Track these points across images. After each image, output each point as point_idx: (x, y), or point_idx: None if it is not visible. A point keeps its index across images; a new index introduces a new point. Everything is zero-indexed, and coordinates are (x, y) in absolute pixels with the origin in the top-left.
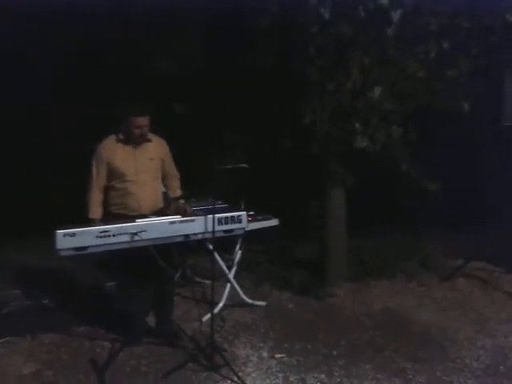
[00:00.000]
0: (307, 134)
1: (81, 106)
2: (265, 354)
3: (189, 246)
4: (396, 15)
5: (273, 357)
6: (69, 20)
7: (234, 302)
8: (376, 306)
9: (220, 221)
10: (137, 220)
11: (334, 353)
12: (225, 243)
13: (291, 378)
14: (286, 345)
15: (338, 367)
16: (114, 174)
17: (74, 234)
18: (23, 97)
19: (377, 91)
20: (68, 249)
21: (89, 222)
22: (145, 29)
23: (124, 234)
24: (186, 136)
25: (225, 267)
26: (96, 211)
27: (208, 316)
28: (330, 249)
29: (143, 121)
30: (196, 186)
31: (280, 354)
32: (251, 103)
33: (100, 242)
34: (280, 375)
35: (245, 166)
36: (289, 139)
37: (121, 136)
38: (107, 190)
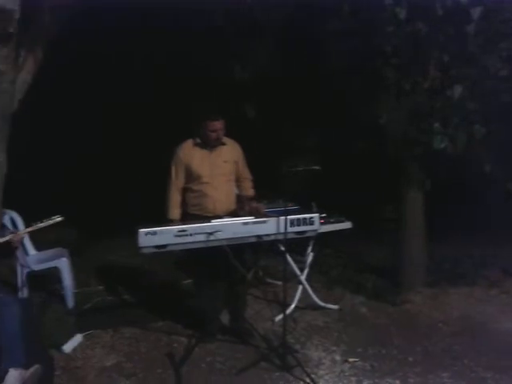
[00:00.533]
0: (383, 134)
1: (160, 109)
2: (338, 358)
3: (261, 247)
4: (476, 12)
5: (346, 360)
6: (148, 23)
7: (306, 305)
8: (454, 313)
9: (292, 222)
10: (212, 220)
11: (410, 359)
12: (296, 245)
13: (364, 383)
14: (359, 349)
15: (414, 374)
16: (191, 177)
17: (154, 233)
18: (105, 99)
19: (457, 90)
20: (149, 246)
21: (168, 222)
22: (219, 32)
23: (200, 233)
24: (257, 138)
25: (297, 269)
26: (175, 212)
27: (280, 316)
28: (407, 253)
29: (218, 125)
30: (267, 188)
31: (353, 358)
32: (324, 104)
33: (178, 240)
34: (353, 379)
35: (317, 167)
36: (363, 140)
37: (197, 140)
38: (185, 191)
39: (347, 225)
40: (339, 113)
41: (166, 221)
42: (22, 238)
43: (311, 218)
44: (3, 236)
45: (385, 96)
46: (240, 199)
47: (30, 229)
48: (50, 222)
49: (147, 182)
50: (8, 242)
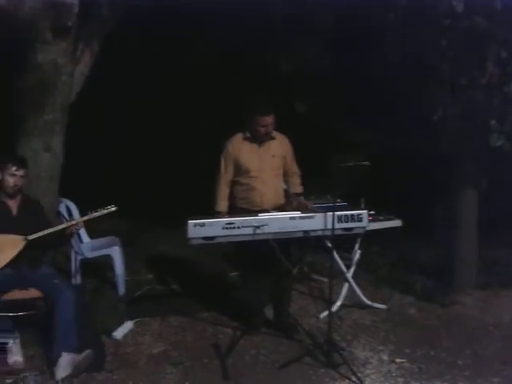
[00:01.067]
0: (436, 131)
1: (211, 103)
2: (385, 358)
3: (307, 243)
4: None
5: (393, 361)
6: (200, 19)
7: (352, 303)
8: (506, 317)
9: (340, 218)
10: (259, 214)
11: (459, 362)
12: (343, 242)
13: None
14: (407, 350)
15: (463, 377)
16: (239, 170)
17: (203, 225)
18: (156, 94)
19: None
20: (197, 238)
21: (216, 215)
22: (271, 29)
23: (247, 226)
24: (306, 133)
25: (343, 266)
26: (223, 204)
27: (325, 313)
28: (458, 254)
29: (268, 119)
30: (315, 183)
31: (401, 358)
32: (375, 99)
33: (226, 233)
34: (400, 380)
35: (366, 163)
36: (415, 136)
37: (247, 134)
38: (233, 184)
39: (397, 223)
40: (391, 108)
41: (213, 213)
42: (79, 227)
43: (359, 214)
44: (60, 223)
45: (439, 91)
46: (288, 195)
47: (85, 217)
48: (105, 211)
49: (198, 174)
50: (65, 230)
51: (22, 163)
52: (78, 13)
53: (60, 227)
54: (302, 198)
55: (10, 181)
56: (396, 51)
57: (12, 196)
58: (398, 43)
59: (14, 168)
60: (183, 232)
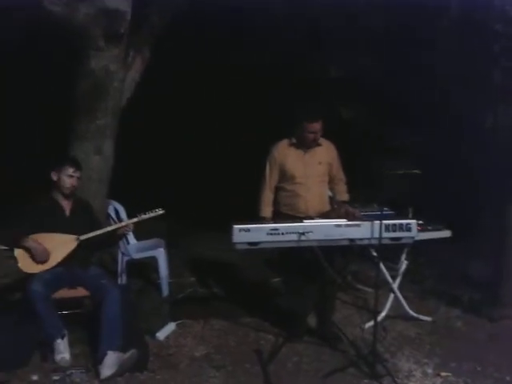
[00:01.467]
0: (487, 139)
1: (256, 109)
2: (429, 371)
3: (351, 251)
4: None
5: (438, 374)
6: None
7: (397, 314)
8: None
9: (387, 227)
10: (304, 221)
11: (507, 378)
12: (388, 251)
13: None
14: (452, 364)
15: None
16: (284, 176)
17: (248, 230)
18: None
19: None
20: (242, 243)
21: (260, 220)
22: (322, 35)
23: (292, 233)
24: (351, 140)
25: (389, 277)
26: (267, 210)
27: (370, 324)
28: (507, 265)
29: (317, 126)
30: (360, 191)
31: (446, 372)
32: (423, 105)
33: (270, 238)
34: None
35: (417, 171)
36: (466, 144)
37: (293, 140)
38: (278, 190)
39: (446, 233)
40: (440, 115)
41: (257, 218)
42: (129, 229)
43: (408, 224)
44: (109, 225)
45: (491, 99)
46: (333, 202)
47: (135, 220)
48: (152, 214)
49: (241, 177)
50: (115, 231)
51: (78, 165)
52: (130, 20)
53: (111, 228)
54: (348, 206)
55: (68, 182)
56: (447, 56)
57: (67, 197)
58: (446, 51)
59: (71, 170)
60: (228, 236)
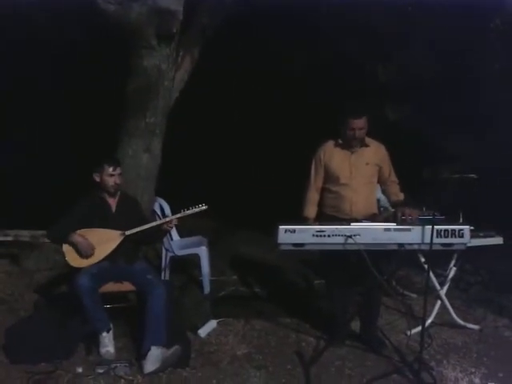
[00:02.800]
0: None
1: (304, 109)
2: (476, 380)
3: (398, 256)
4: None
5: None
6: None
7: (443, 321)
8: None
9: (439, 233)
10: (352, 224)
11: None
12: (435, 257)
13: None
14: (500, 374)
15: None
16: (329, 177)
17: (294, 231)
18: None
19: None
20: (287, 244)
21: (303, 220)
22: (369, 37)
23: (338, 235)
24: (402, 142)
25: (436, 283)
26: (311, 210)
27: (415, 330)
28: None
29: (359, 123)
30: (408, 194)
31: (493, 382)
32: (478, 107)
33: (316, 240)
34: None
35: (473, 176)
36: None
37: (339, 141)
38: (323, 191)
39: (498, 240)
40: (494, 120)
41: (300, 218)
42: (173, 224)
43: (461, 230)
44: (154, 221)
45: None
46: (379, 205)
47: (179, 215)
48: (196, 209)
49: (287, 179)
50: (160, 226)
51: (116, 162)
52: (181, 20)
53: (155, 224)
54: (406, 207)
55: (110, 180)
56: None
57: (112, 194)
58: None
59: (110, 169)
60: (270, 236)
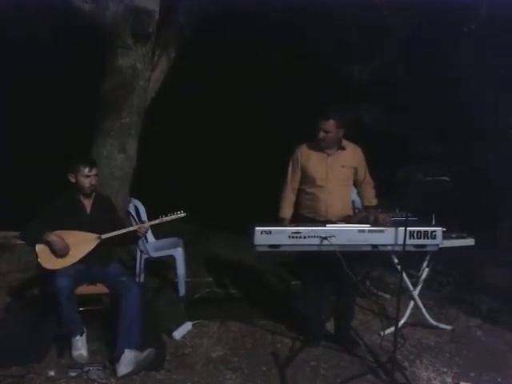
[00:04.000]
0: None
1: (279, 111)
2: (449, 380)
3: (371, 257)
4: None
5: None
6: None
7: (416, 321)
8: None
9: (412, 234)
10: (327, 225)
11: None
12: (408, 258)
13: None
14: (472, 373)
15: None
16: (306, 178)
17: (270, 232)
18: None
19: None
20: (263, 245)
21: (279, 221)
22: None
23: (314, 237)
24: (374, 145)
25: (409, 284)
26: (287, 211)
27: (389, 330)
28: None
29: (327, 126)
30: (382, 196)
31: (465, 382)
32: (451, 112)
33: (292, 242)
34: None
35: (446, 178)
36: (496, 152)
37: (315, 143)
38: (299, 192)
39: (470, 241)
40: (466, 122)
41: (276, 219)
42: (147, 229)
43: (434, 231)
44: (129, 223)
45: None
46: (354, 206)
47: (156, 221)
48: (174, 217)
49: (263, 180)
50: (135, 230)
51: (92, 163)
52: (157, 19)
53: (132, 228)
54: (377, 212)
55: (86, 181)
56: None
57: (87, 195)
58: (472, 55)
59: (86, 169)
60: (245, 238)
